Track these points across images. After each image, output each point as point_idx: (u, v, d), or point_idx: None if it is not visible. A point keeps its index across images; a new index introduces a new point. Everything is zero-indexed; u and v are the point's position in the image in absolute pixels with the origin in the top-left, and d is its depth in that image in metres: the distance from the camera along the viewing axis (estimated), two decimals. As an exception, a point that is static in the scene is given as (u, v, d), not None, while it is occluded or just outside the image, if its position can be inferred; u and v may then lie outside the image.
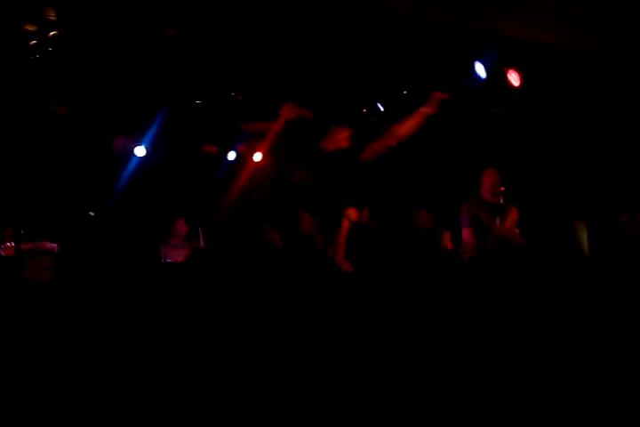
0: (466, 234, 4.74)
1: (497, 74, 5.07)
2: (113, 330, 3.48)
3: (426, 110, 4.37)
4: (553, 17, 4.67)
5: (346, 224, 4.28)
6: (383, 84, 6.54)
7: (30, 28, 4.76)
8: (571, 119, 5.73)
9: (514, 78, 5.03)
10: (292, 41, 5.54)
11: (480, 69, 5.10)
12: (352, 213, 4.31)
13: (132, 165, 6.53)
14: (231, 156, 7.21)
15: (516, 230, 4.72)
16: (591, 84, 5.29)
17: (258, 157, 7.33)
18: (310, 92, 6.64)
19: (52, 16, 4.63)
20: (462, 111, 5.94)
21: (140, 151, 6.56)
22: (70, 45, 5.02)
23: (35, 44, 4.84)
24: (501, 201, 4.78)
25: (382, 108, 6.87)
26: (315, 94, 6.66)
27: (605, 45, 4.79)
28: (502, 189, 4.86)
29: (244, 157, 7.17)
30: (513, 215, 4.69)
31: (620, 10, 4.64)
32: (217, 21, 5.19)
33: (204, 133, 6.81)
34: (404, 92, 6.47)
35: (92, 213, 5.53)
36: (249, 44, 5.62)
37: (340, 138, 4.75)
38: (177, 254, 5.81)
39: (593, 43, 4.70)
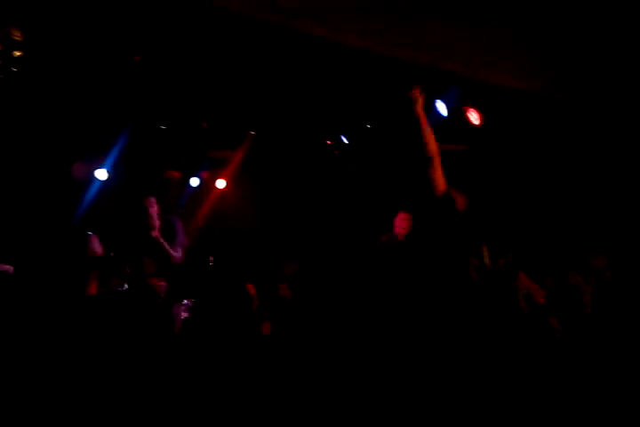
0: None
1: (458, 112, 5.20)
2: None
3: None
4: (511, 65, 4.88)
5: None
6: (348, 117, 6.66)
7: (-6, 47, 4.73)
8: (527, 158, 5.89)
9: (474, 117, 5.16)
10: (259, 72, 5.61)
11: (441, 108, 5.23)
12: None
13: (93, 189, 6.46)
14: (194, 182, 7.20)
15: None
16: (546, 126, 5.47)
17: (221, 184, 7.35)
18: (276, 123, 6.73)
19: (18, 36, 4.61)
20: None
21: (101, 174, 6.49)
22: (35, 66, 4.99)
23: (-1, 63, 4.80)
24: None
25: (346, 141, 6.99)
26: (280, 125, 6.75)
27: (554, 91, 5.01)
28: None
29: (207, 184, 7.18)
30: None
31: (566, 61, 4.87)
32: (185, 50, 5.23)
33: (167, 159, 6.80)
34: (368, 126, 6.60)
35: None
36: (216, 72, 5.67)
37: None
38: None
39: (543, 88, 4.90)
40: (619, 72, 4.99)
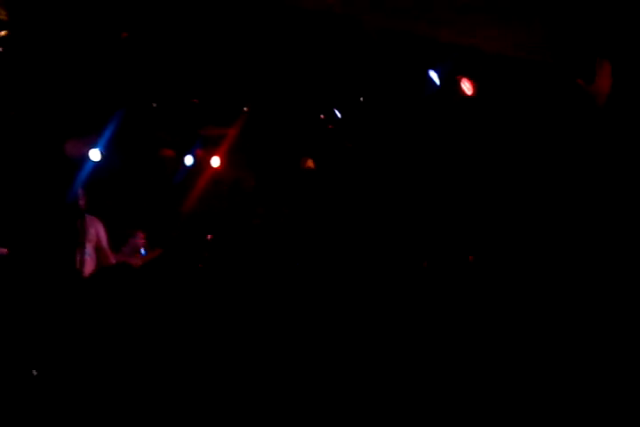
0: None
1: (450, 82, 5.16)
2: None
3: None
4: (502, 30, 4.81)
5: None
6: (340, 90, 6.61)
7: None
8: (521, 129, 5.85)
9: (467, 87, 5.12)
10: (250, 47, 5.56)
11: (434, 77, 5.19)
12: None
13: (86, 169, 6.42)
14: (188, 160, 7.17)
15: None
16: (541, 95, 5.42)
17: (215, 162, 7.32)
18: (268, 99, 6.67)
19: (3, 15, 4.55)
20: (417, 118, 6.04)
21: (94, 155, 6.44)
22: (22, 46, 4.94)
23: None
24: None
25: (339, 115, 6.94)
26: (273, 100, 6.70)
27: (551, 59, 4.95)
28: None
29: (202, 162, 7.15)
30: None
31: (565, 26, 4.80)
32: (175, 25, 5.17)
33: (160, 137, 6.76)
34: (361, 99, 6.54)
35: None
36: (208, 48, 5.61)
37: None
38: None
39: (540, 55, 4.84)
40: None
